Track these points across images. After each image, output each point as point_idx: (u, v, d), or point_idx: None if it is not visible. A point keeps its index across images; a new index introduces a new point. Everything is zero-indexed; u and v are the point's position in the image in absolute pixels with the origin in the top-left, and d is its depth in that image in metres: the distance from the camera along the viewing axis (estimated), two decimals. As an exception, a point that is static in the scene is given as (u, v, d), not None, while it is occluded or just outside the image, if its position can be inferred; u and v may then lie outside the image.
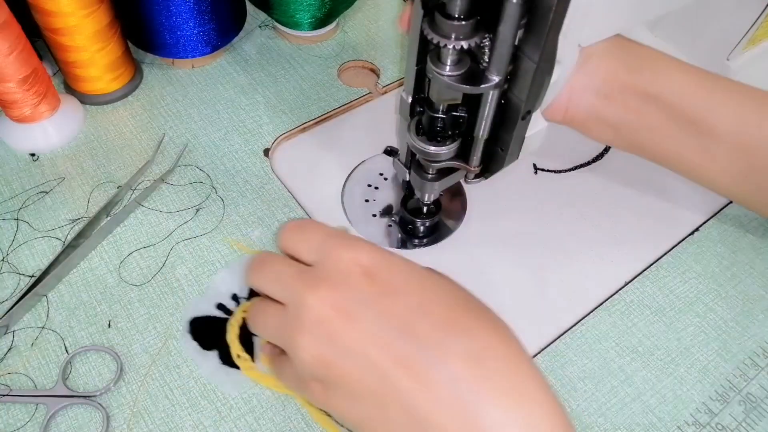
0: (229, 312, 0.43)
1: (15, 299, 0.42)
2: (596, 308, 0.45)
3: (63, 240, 0.47)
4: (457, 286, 0.32)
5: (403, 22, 0.40)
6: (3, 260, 0.45)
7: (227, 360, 0.41)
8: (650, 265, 0.48)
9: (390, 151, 0.52)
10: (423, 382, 0.27)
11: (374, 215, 0.49)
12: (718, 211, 0.51)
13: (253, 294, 0.44)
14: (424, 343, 0.28)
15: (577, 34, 0.33)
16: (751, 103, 0.39)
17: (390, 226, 0.49)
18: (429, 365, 0.27)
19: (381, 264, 0.30)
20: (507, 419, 0.27)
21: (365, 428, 0.30)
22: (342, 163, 0.52)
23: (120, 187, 0.50)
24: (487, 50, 0.32)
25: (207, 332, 0.42)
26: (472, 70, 0.33)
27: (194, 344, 0.42)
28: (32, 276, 0.44)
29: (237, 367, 0.41)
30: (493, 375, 0.28)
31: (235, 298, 0.44)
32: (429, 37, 0.32)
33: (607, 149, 0.54)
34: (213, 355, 0.41)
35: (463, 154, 0.40)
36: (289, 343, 0.31)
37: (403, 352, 0.28)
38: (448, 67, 0.33)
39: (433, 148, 0.39)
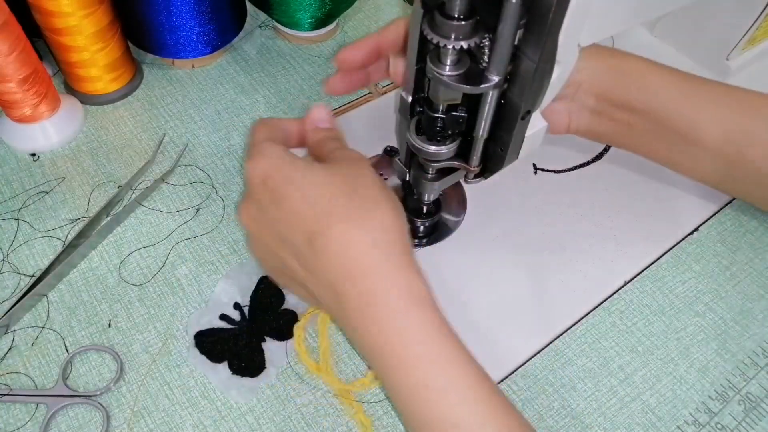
0: (233, 322, 0.43)
1: (15, 299, 0.42)
2: (596, 308, 0.45)
3: (63, 240, 0.47)
4: (339, 180, 0.34)
5: (330, 86, 0.43)
6: (3, 260, 0.45)
7: (237, 370, 0.41)
8: (650, 265, 0.48)
9: (390, 151, 0.52)
10: (312, 271, 0.34)
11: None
12: (718, 211, 0.51)
13: (255, 301, 0.44)
14: (300, 246, 0.33)
15: (577, 34, 0.33)
16: (738, 109, 0.40)
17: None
18: (309, 262, 0.34)
19: (272, 171, 0.34)
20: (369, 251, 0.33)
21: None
22: (342, 163, 0.52)
23: (120, 187, 0.50)
24: (486, 50, 0.32)
25: (214, 345, 0.42)
26: (472, 70, 0.33)
27: (203, 358, 0.41)
28: (32, 276, 0.44)
29: (248, 376, 0.41)
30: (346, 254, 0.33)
31: (237, 306, 0.44)
32: (429, 37, 0.32)
33: (606, 149, 0.54)
34: (223, 367, 0.41)
35: (462, 154, 0.40)
36: None
37: (292, 251, 0.34)
38: (447, 67, 0.33)
39: (432, 147, 0.39)
